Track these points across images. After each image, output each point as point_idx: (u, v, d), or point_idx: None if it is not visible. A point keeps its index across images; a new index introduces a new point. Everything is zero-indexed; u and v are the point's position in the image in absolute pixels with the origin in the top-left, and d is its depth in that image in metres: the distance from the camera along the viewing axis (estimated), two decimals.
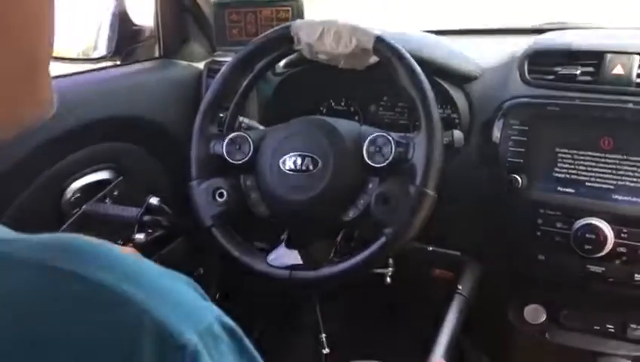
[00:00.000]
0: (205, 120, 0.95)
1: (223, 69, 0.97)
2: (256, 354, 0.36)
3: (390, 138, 0.84)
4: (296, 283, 0.88)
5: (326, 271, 0.85)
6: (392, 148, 0.84)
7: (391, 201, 0.82)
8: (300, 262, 0.88)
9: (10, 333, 0.30)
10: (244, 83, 1.06)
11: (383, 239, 0.82)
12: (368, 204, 0.85)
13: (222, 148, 0.93)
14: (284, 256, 0.89)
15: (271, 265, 0.88)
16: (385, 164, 0.84)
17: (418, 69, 0.85)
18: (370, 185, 0.86)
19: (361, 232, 0.95)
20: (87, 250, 0.34)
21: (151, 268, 0.35)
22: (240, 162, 0.92)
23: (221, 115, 1.01)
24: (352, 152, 0.87)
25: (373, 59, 0.92)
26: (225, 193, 0.91)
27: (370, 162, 0.85)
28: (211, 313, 0.34)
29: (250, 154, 0.92)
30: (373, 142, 0.85)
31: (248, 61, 0.98)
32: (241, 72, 0.98)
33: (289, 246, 0.90)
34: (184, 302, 0.34)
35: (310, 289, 0.91)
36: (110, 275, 0.32)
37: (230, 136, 0.93)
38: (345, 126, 0.90)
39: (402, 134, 0.86)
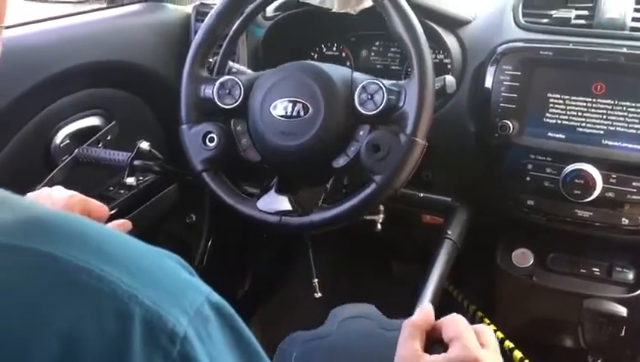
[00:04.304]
0: (195, 63, 0.93)
1: (212, 12, 0.95)
2: (244, 328, 0.35)
3: (382, 85, 0.83)
4: (286, 229, 0.88)
5: (316, 216, 0.86)
6: (383, 96, 0.83)
7: (381, 149, 0.82)
8: (290, 208, 0.88)
9: None
10: (234, 27, 1.04)
11: (373, 186, 0.83)
12: (359, 151, 0.84)
13: (212, 92, 0.91)
14: (274, 202, 0.89)
15: (261, 211, 0.88)
16: (376, 111, 0.83)
17: (412, 14, 0.84)
18: (361, 133, 0.85)
19: (350, 179, 0.95)
20: (65, 229, 0.31)
21: (136, 247, 0.33)
22: (230, 106, 0.91)
23: (210, 60, 1.00)
24: (343, 99, 0.86)
25: (368, 3, 0.90)
26: (215, 138, 0.90)
27: (361, 109, 0.84)
28: (200, 293, 0.33)
29: (240, 98, 0.91)
30: (364, 89, 0.84)
31: (237, 4, 0.95)
32: (230, 15, 0.95)
33: (279, 191, 0.90)
34: (173, 284, 0.32)
35: (300, 234, 0.91)
36: (94, 258, 0.30)
37: (221, 79, 0.91)
38: (337, 72, 0.89)
39: (394, 82, 0.84)
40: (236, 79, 0.91)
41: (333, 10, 0.93)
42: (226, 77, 0.92)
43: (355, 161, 0.85)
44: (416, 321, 0.62)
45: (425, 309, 0.64)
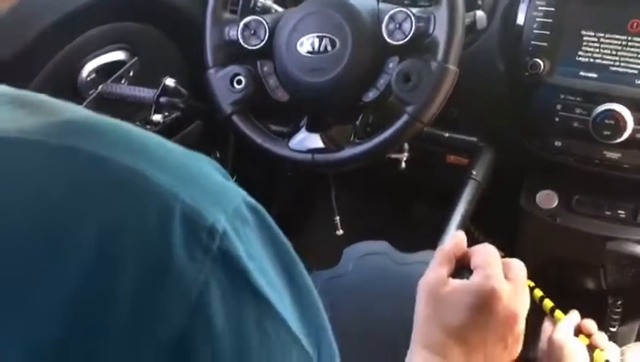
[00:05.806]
0: (217, 5, 0.92)
1: None
2: (277, 229, 0.36)
3: (410, 13, 0.81)
4: (319, 166, 0.88)
5: (348, 152, 0.85)
6: (412, 24, 0.81)
7: (412, 79, 0.81)
8: (322, 145, 0.87)
9: (25, 221, 0.28)
10: None
11: (405, 117, 0.81)
12: (389, 83, 0.83)
13: (236, 33, 0.90)
14: (306, 140, 0.88)
15: (293, 150, 0.88)
16: (405, 40, 0.81)
17: None
18: (391, 65, 0.84)
19: (381, 113, 0.93)
20: (108, 129, 0.32)
21: (175, 149, 0.34)
22: (256, 47, 0.90)
23: None
24: (370, 31, 0.84)
25: None
26: (243, 80, 0.89)
27: (389, 40, 0.83)
28: (237, 194, 0.34)
29: (265, 38, 0.89)
30: (392, 18, 0.82)
31: None
32: None
33: (310, 129, 0.89)
34: (211, 184, 0.33)
35: (332, 170, 0.91)
36: (136, 158, 0.31)
37: (244, 20, 0.90)
38: (362, 3, 0.87)
39: (422, 9, 0.83)
40: (260, 19, 0.90)
41: None
42: (250, 17, 0.90)
43: (386, 93, 0.84)
44: (446, 248, 0.64)
45: (456, 236, 0.66)
